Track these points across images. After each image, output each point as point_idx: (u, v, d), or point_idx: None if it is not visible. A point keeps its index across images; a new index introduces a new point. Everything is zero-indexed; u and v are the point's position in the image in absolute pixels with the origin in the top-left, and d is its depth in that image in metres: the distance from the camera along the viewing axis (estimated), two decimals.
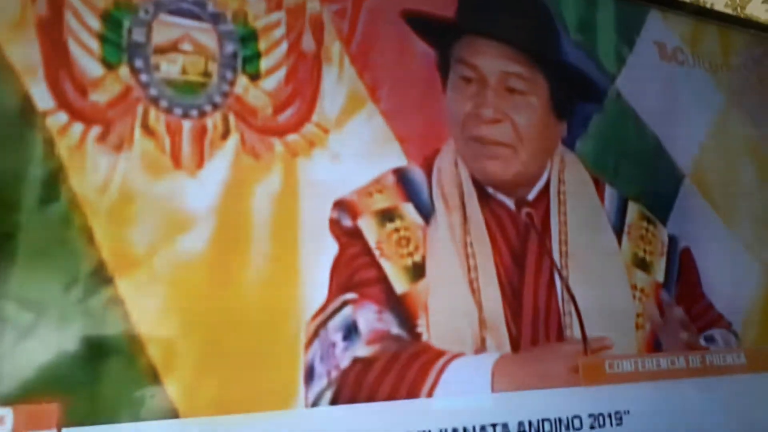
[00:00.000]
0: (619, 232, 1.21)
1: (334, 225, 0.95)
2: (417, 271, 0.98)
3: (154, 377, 0.78)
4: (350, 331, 0.90)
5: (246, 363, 0.84)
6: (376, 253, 0.97)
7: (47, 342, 0.74)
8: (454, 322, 0.99)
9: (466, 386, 0.96)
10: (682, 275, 1.26)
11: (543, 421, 1.00)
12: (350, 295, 0.91)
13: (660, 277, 1.23)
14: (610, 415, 1.06)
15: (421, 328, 0.96)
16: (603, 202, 1.21)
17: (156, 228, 0.82)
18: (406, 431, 0.90)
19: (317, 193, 0.94)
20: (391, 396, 0.90)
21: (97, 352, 0.76)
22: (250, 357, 0.84)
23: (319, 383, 0.87)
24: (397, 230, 0.99)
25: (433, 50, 1.09)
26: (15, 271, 0.75)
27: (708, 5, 1.76)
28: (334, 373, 0.88)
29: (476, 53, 1.11)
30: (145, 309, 0.79)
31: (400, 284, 0.97)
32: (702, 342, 1.21)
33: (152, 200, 0.83)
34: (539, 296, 1.08)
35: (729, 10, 1.75)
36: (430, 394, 0.93)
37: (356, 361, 0.90)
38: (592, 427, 1.04)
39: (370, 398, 0.89)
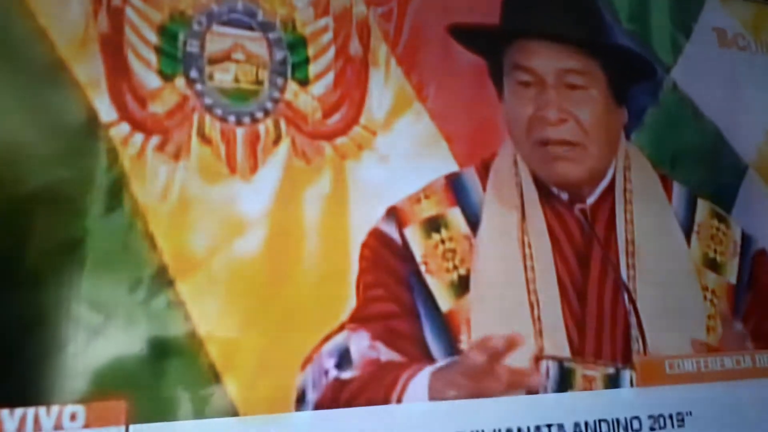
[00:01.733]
0: (688, 231, 1.17)
1: (370, 239, 0.94)
2: (462, 286, 0.97)
3: (214, 376, 0.81)
4: (342, 358, 0.88)
5: (300, 362, 0.86)
6: (422, 268, 0.96)
7: (115, 342, 0.79)
8: (502, 331, 0.97)
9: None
10: (757, 280, 1.20)
11: (600, 422, 0.98)
12: (350, 324, 0.90)
13: (732, 278, 1.19)
14: (671, 416, 1.03)
15: (464, 345, 0.95)
16: (671, 200, 1.17)
17: (213, 232, 0.86)
18: None
19: (366, 195, 0.95)
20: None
21: (160, 352, 0.80)
22: (304, 356, 0.87)
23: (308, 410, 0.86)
24: (443, 241, 0.98)
25: (482, 58, 1.08)
26: (85, 274, 0.79)
27: None
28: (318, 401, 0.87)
29: (530, 56, 1.09)
30: (204, 310, 0.83)
31: (444, 302, 0.96)
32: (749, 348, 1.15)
33: (209, 205, 0.86)
34: (604, 297, 1.06)
35: None
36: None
37: (337, 380, 0.88)
38: (652, 429, 1.01)
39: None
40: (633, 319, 1.07)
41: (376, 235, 0.94)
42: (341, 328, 0.89)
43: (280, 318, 0.87)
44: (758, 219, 1.25)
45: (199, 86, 0.90)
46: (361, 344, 0.90)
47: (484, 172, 1.04)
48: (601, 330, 1.04)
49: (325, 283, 0.90)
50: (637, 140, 1.18)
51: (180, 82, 0.89)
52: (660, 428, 1.02)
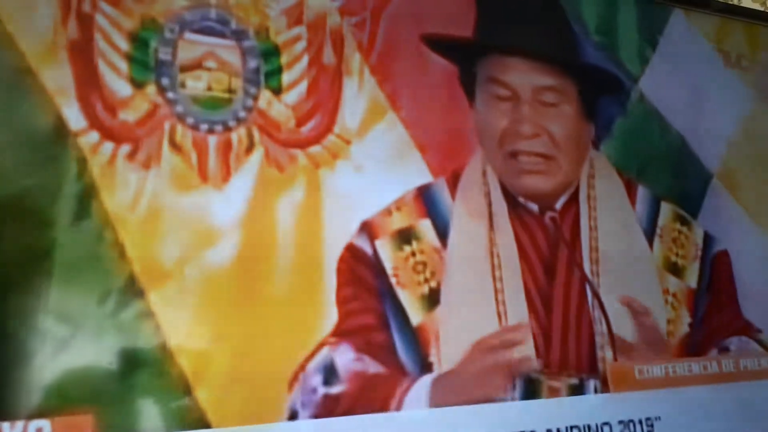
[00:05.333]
0: (650, 235, 1.19)
1: (345, 254, 0.94)
2: (432, 299, 0.98)
3: (185, 388, 0.80)
4: (329, 373, 0.89)
5: (274, 372, 0.85)
6: (393, 281, 0.96)
7: (83, 354, 0.77)
8: (472, 343, 0.98)
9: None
10: (716, 280, 1.23)
11: (572, 428, 0.99)
12: (330, 339, 0.90)
13: (693, 282, 1.21)
14: (641, 422, 1.05)
15: (432, 358, 0.95)
16: (634, 205, 1.20)
17: (184, 242, 0.85)
18: None
19: (341, 204, 0.95)
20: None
21: (129, 364, 0.78)
22: (277, 366, 0.86)
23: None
24: (413, 254, 0.99)
25: (454, 66, 1.09)
26: (52, 285, 0.77)
27: (735, 2, 1.73)
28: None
29: (506, 71, 1.11)
30: (175, 321, 0.82)
31: (415, 316, 0.96)
32: (714, 353, 1.18)
33: (180, 215, 0.85)
34: (570, 306, 1.08)
35: (757, 6, 1.72)
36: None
37: (327, 397, 0.89)
38: None
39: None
40: (602, 327, 1.08)
41: (351, 249, 0.95)
42: (322, 344, 0.89)
43: (253, 329, 0.86)
44: (722, 225, 1.28)
45: (170, 94, 0.89)
46: (346, 358, 0.90)
47: (454, 182, 1.05)
48: (567, 339, 1.06)
49: (299, 294, 0.90)
50: (606, 150, 1.20)
51: (151, 89, 0.88)
52: None
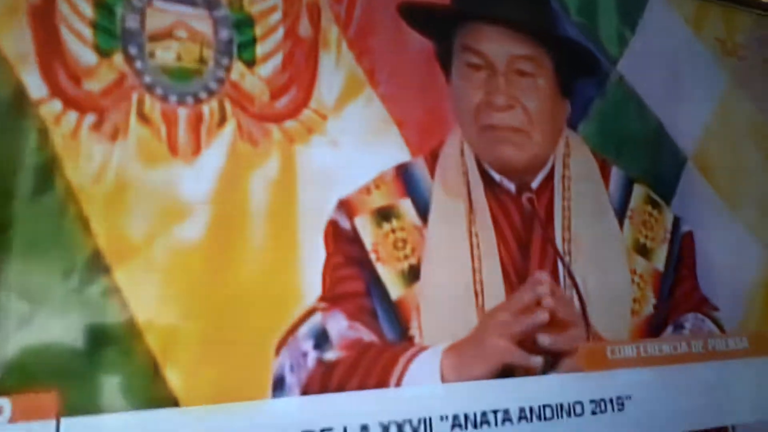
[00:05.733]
0: (621, 216, 1.20)
1: (329, 227, 0.93)
2: (412, 275, 0.97)
3: (153, 366, 0.78)
4: (321, 339, 0.88)
5: (246, 351, 0.84)
6: (372, 256, 0.96)
7: (45, 331, 0.74)
8: (451, 319, 0.98)
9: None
10: (681, 261, 1.25)
11: (545, 407, 1.00)
12: (321, 304, 0.90)
13: (660, 264, 1.22)
14: (612, 401, 1.06)
15: (413, 331, 0.95)
16: (608, 186, 1.20)
17: (153, 216, 0.82)
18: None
19: (316, 180, 0.93)
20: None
21: (95, 341, 0.76)
22: (249, 345, 0.84)
23: (289, 394, 0.85)
24: (393, 231, 0.98)
25: (430, 41, 1.07)
26: (12, 261, 0.74)
27: None
28: (305, 381, 0.86)
29: (481, 39, 1.10)
30: (142, 297, 0.79)
31: (395, 290, 0.96)
32: (669, 331, 1.19)
33: (148, 189, 0.83)
34: None
35: None
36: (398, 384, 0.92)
37: (321, 363, 0.88)
38: (593, 413, 1.04)
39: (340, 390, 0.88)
40: (575, 306, 1.08)
41: (333, 225, 0.94)
42: (312, 310, 0.88)
43: (224, 306, 0.84)
44: (694, 206, 1.29)
45: (138, 64, 0.86)
46: (339, 325, 0.90)
47: (432, 161, 1.04)
48: None
49: (271, 271, 0.88)
50: (583, 131, 1.20)
51: (118, 58, 0.85)
52: (601, 412, 1.05)
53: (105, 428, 0.74)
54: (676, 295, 1.22)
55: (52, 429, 0.71)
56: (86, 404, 0.74)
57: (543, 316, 1.02)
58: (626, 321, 1.14)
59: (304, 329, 0.87)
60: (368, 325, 0.92)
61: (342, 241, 0.94)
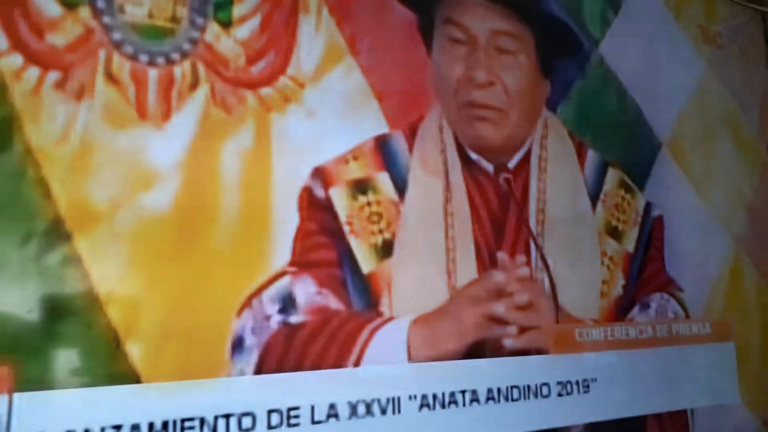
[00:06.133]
0: (595, 199, 1.20)
1: (303, 194, 0.91)
2: (385, 250, 0.96)
3: (114, 340, 0.75)
4: (287, 303, 0.86)
5: (212, 324, 0.81)
6: (346, 228, 0.93)
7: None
8: (423, 296, 0.97)
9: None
10: (651, 244, 1.26)
11: (512, 388, 1.00)
12: (291, 268, 0.87)
13: (630, 246, 1.24)
14: (578, 383, 1.07)
15: (383, 307, 0.94)
16: (583, 169, 1.20)
17: (118, 182, 0.78)
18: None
19: (291, 151, 0.90)
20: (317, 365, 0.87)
21: (52, 312, 0.72)
22: (215, 318, 0.82)
23: (248, 356, 0.83)
24: (369, 204, 0.96)
25: (413, 13, 1.04)
26: None
27: None
28: (265, 343, 0.84)
29: (464, 12, 1.07)
30: (105, 267, 0.75)
31: (366, 263, 0.94)
32: (636, 311, 1.21)
33: (115, 153, 0.78)
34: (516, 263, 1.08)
35: None
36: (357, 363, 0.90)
37: (285, 325, 0.86)
38: (560, 395, 1.05)
39: (297, 366, 0.86)
40: (545, 288, 1.09)
41: (307, 191, 0.91)
42: (282, 274, 0.86)
43: (190, 278, 0.81)
44: (666, 191, 1.31)
45: (107, 19, 0.80)
46: (308, 290, 0.88)
47: (411, 135, 1.02)
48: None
49: (241, 242, 0.85)
50: (563, 112, 1.19)
51: (85, 12, 0.79)
52: (567, 394, 1.06)
53: (61, 404, 0.70)
54: (643, 276, 1.24)
55: (5, 405, 0.67)
56: (42, 379, 0.70)
57: (522, 297, 1.03)
58: (595, 303, 1.15)
59: (271, 292, 0.85)
60: (338, 294, 0.90)
61: (316, 209, 0.91)
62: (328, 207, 0.93)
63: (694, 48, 1.43)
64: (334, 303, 0.89)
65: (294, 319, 0.86)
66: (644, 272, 1.24)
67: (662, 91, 1.35)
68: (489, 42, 1.07)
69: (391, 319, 0.93)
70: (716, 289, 1.34)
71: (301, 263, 0.88)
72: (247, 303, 0.83)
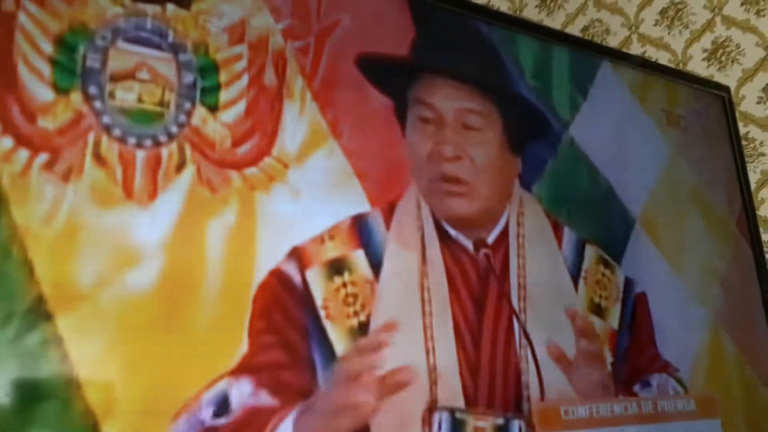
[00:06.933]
0: (576, 277, 1.22)
1: (269, 280, 0.88)
2: (361, 332, 0.94)
3: (91, 424, 0.72)
4: (222, 406, 0.81)
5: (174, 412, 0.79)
6: (322, 313, 0.92)
7: None
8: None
9: None
10: (635, 321, 1.27)
11: None
12: (233, 372, 0.83)
13: (615, 323, 1.24)
14: None
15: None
16: (561, 246, 1.22)
17: (103, 262, 0.78)
18: None
19: (275, 229, 0.91)
20: None
21: (29, 396, 0.70)
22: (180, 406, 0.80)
23: None
24: (345, 285, 0.95)
25: (389, 99, 1.09)
26: None
27: (653, 59, 1.84)
28: None
29: (432, 92, 1.12)
30: (85, 349, 0.74)
31: (342, 349, 0.92)
32: (637, 388, 1.21)
33: (100, 232, 0.79)
34: (498, 343, 1.07)
35: (672, 65, 1.84)
36: None
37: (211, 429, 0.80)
38: None
39: None
40: (529, 365, 1.08)
41: (277, 275, 0.90)
42: (222, 377, 0.82)
43: (171, 361, 0.80)
44: (643, 268, 1.33)
45: (97, 104, 0.83)
46: (242, 391, 0.83)
47: (389, 213, 1.03)
48: (494, 377, 1.05)
49: (223, 324, 0.84)
50: (538, 191, 1.22)
51: (76, 97, 0.82)
52: None
53: None
54: (639, 360, 1.24)
55: None
56: None
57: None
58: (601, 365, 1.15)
59: (209, 395, 0.81)
60: (276, 394, 0.85)
61: (283, 297, 0.89)
62: (301, 293, 0.91)
63: (660, 130, 1.50)
64: (264, 401, 0.84)
65: (219, 421, 0.81)
66: (638, 355, 1.24)
67: (632, 170, 1.40)
68: (456, 119, 1.12)
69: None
70: (698, 365, 1.34)
71: (246, 367, 0.84)
72: (185, 407, 0.80)
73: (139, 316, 0.79)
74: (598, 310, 1.22)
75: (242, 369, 0.84)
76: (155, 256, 0.81)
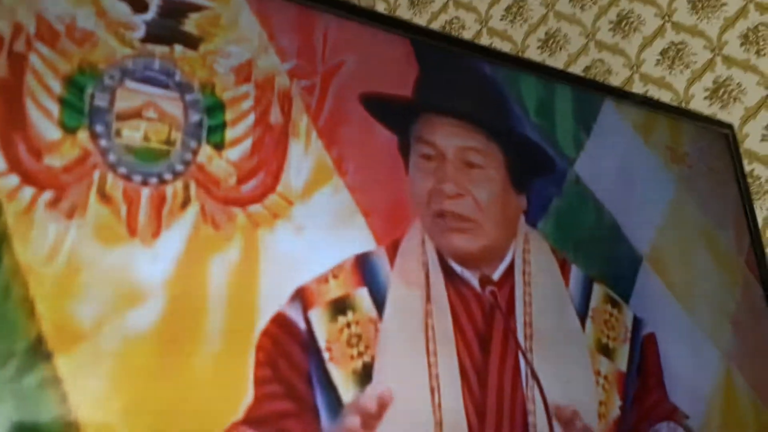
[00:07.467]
0: (583, 316, 1.20)
1: (271, 327, 0.87)
2: (366, 375, 0.93)
3: None
4: None
5: None
6: (325, 356, 0.91)
7: None
8: (405, 418, 0.93)
9: None
10: (644, 363, 1.25)
11: None
12: (239, 425, 0.81)
13: (623, 365, 1.22)
14: None
15: None
16: (567, 284, 1.21)
17: (104, 300, 0.77)
18: None
19: (279, 266, 0.90)
20: None
21: None
22: None
23: None
24: (348, 325, 0.94)
25: (393, 134, 1.10)
26: None
27: (656, 98, 1.86)
28: None
29: (434, 131, 1.13)
30: (85, 390, 0.72)
31: (347, 393, 0.90)
32: None
33: (102, 270, 0.78)
34: (504, 382, 1.05)
35: (674, 104, 1.85)
36: None
37: None
38: None
39: None
40: (536, 406, 1.06)
41: (280, 321, 0.88)
42: (232, 429, 0.80)
43: (172, 400, 0.78)
44: (652, 307, 1.31)
45: (104, 142, 0.84)
46: None
47: (393, 250, 1.03)
48: (501, 418, 1.02)
49: (225, 365, 0.83)
50: (543, 228, 1.22)
51: (83, 135, 0.83)
52: None
53: None
54: (646, 404, 1.21)
55: None
56: None
57: None
58: (593, 424, 1.12)
59: None
60: None
61: (287, 343, 0.88)
62: (304, 337, 0.90)
63: (665, 166, 1.51)
64: None
65: None
66: (646, 399, 1.21)
67: (638, 208, 1.40)
68: (457, 157, 1.12)
69: None
70: (711, 410, 1.31)
71: (252, 419, 0.82)
72: None
73: (141, 356, 0.77)
74: (606, 351, 1.20)
75: (248, 420, 0.82)
76: (157, 294, 0.81)
